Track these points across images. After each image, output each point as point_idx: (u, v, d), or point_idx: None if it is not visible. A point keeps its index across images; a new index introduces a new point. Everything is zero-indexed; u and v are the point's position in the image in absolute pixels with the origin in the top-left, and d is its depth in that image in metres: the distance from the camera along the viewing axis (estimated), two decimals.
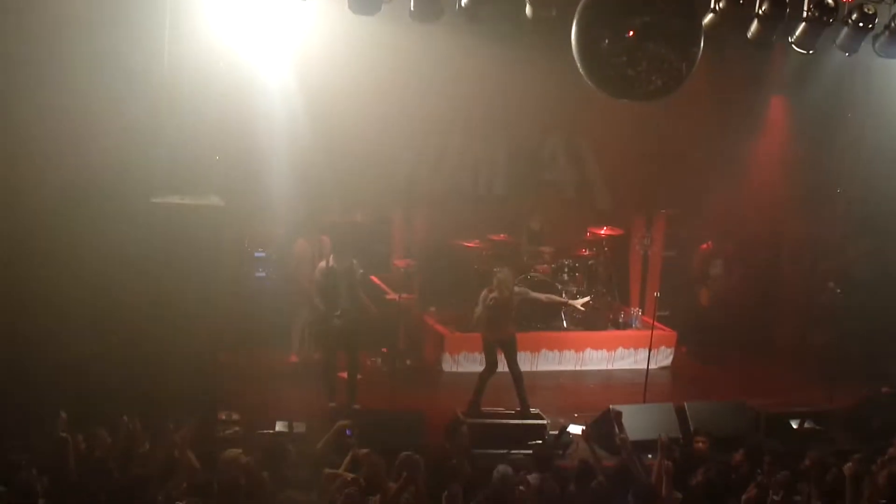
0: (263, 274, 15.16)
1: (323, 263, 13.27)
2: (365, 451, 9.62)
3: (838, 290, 16.75)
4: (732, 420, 13.24)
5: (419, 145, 16.90)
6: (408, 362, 15.16)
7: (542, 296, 14.04)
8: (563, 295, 15.58)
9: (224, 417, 12.19)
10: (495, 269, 13.47)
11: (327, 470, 9.46)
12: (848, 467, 9.85)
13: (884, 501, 9.21)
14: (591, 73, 9.30)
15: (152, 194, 11.78)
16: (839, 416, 13.81)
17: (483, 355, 13.38)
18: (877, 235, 16.63)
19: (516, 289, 13.24)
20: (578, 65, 9.31)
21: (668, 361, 16.18)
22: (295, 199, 15.35)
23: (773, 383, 15.55)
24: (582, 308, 14.61)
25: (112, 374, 11.46)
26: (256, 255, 15.28)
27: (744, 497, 8.38)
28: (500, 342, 13.09)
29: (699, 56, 9.33)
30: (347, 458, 9.63)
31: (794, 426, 13.22)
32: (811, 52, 12.96)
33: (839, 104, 16.87)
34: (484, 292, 13.05)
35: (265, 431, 11.91)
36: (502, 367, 13.15)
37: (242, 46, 12.59)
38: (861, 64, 15.49)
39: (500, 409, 13.08)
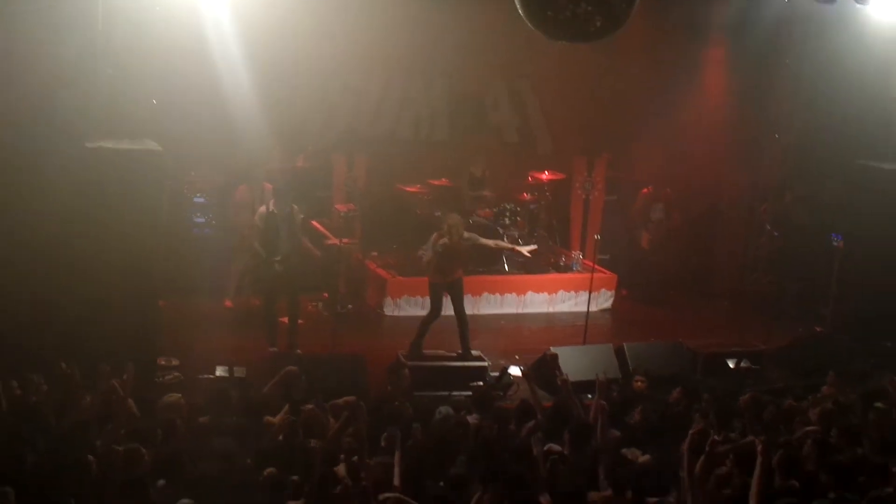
0: (203, 220, 15.06)
1: (263, 208, 13.21)
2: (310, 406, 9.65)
3: (775, 234, 16.99)
4: (670, 360, 13.39)
5: (361, 91, 16.83)
6: (349, 307, 15.16)
7: (492, 242, 14.08)
8: (506, 239, 15.65)
9: (163, 363, 12.15)
10: (447, 215, 13.47)
11: (267, 418, 9.47)
12: (788, 403, 10.05)
13: (816, 429, 9.36)
14: (531, 14, 9.25)
15: (87, 139, 11.60)
16: (774, 355, 14.02)
17: (425, 299, 13.44)
18: (813, 180, 16.82)
19: (466, 234, 13.26)
20: (518, 7, 9.26)
21: (608, 304, 16.33)
22: (235, 144, 15.28)
23: (711, 324, 15.78)
24: (528, 255, 14.66)
25: (48, 320, 11.37)
26: (196, 200, 15.17)
27: (690, 431, 8.49)
28: (448, 286, 13.14)
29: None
30: (286, 407, 9.63)
31: (731, 365, 13.40)
32: None
33: (777, 50, 16.96)
34: (434, 237, 13.06)
35: (206, 376, 11.90)
36: (443, 310, 13.21)
37: None
38: (799, 10, 15.62)
39: (442, 352, 13.15)
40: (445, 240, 12.88)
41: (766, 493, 7.99)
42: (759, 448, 8.16)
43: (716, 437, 8.59)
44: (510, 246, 14.74)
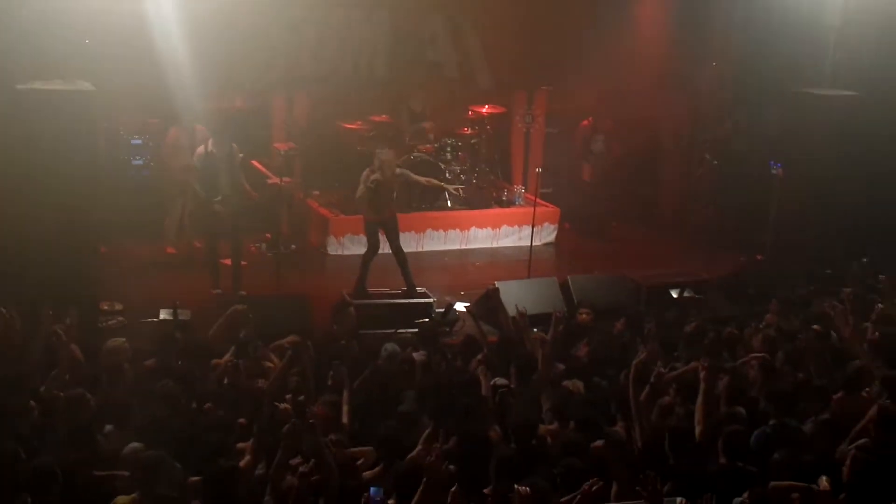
0: (140, 161, 14.86)
1: (201, 149, 13.04)
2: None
3: (714, 162, 17.10)
4: (614, 292, 13.48)
5: (298, 27, 16.58)
6: (292, 247, 15.05)
7: (423, 179, 14.02)
8: (447, 175, 15.61)
9: (106, 308, 12.04)
10: (377, 150, 13.37)
11: (215, 361, 9.42)
12: (729, 331, 10.16)
13: (761, 355, 9.48)
14: None
15: (17, 81, 11.35)
16: (717, 284, 14.16)
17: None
18: (750, 107, 16.91)
19: (397, 170, 13.18)
20: None
21: (551, 238, 16.38)
22: (171, 83, 15.00)
23: (653, 255, 15.89)
24: (455, 193, 14.60)
25: None
26: (133, 142, 14.95)
27: (634, 361, 8.56)
28: (382, 223, 13.08)
29: None
30: (233, 348, 9.58)
31: (675, 295, 13.51)
32: None
33: None
34: (365, 172, 12.98)
35: (150, 320, 11.80)
36: (385, 248, 13.17)
37: None
38: None
39: (387, 290, 13.13)
40: (377, 175, 12.79)
41: (711, 418, 8.10)
42: (703, 374, 8.26)
43: (661, 369, 8.69)
44: (439, 184, 14.64)
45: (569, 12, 17.04)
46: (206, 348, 9.70)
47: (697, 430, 7.97)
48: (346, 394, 8.48)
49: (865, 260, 13.66)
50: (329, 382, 8.90)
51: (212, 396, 8.54)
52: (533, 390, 8.93)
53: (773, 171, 15.14)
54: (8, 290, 10.88)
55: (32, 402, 7.92)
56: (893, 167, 15.15)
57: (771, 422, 8.23)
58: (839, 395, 8.86)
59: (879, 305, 11.18)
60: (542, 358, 8.89)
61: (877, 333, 10.28)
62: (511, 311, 11.32)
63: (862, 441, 7.70)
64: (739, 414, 8.28)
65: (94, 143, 11.89)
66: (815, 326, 10.30)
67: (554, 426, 8.22)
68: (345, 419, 8.22)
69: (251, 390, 8.46)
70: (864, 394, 8.90)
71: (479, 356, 9.72)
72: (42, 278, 11.13)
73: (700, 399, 8.19)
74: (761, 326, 10.93)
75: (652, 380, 8.46)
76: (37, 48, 11.54)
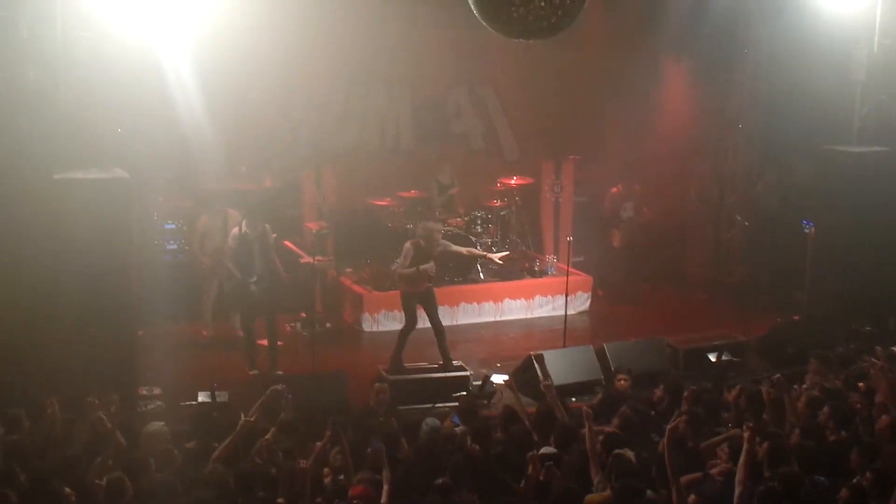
0: (175, 246, 14.97)
1: (236, 230, 13.16)
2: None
3: (746, 223, 17.07)
4: (651, 357, 13.39)
5: (323, 104, 16.79)
6: (327, 325, 15.11)
7: (464, 249, 14.02)
8: (479, 247, 15.66)
9: (145, 392, 12.08)
10: (421, 222, 13.49)
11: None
12: (765, 390, 10.07)
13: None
14: (484, 13, 9.24)
15: (54, 170, 11.52)
16: (754, 345, 14.07)
17: (402, 313, 13.38)
18: (779, 167, 16.92)
19: (442, 242, 13.23)
20: (472, 6, 9.25)
21: (585, 306, 16.32)
22: (202, 167, 15.20)
23: (688, 318, 15.79)
24: (500, 262, 14.61)
25: (28, 354, 11.27)
26: (167, 226, 15.08)
27: (668, 426, 8.52)
28: (419, 297, 13.09)
29: None
30: (274, 428, 9.56)
31: (712, 359, 13.40)
32: None
33: (735, 39, 17.09)
34: (407, 245, 13.01)
35: (188, 403, 11.82)
36: (421, 322, 13.17)
37: (137, 13, 12.33)
38: None
39: (423, 364, 13.09)
40: (432, 265, 12.85)
41: (753, 481, 8.03)
42: (747, 435, 8.22)
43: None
44: (482, 253, 14.69)
45: (592, 80, 17.22)
46: (248, 430, 9.66)
47: (737, 491, 7.91)
48: (385, 471, 8.44)
49: None
50: (367, 459, 8.85)
51: (247, 476, 8.50)
52: (579, 460, 8.83)
53: (806, 230, 15.09)
54: (49, 377, 10.99)
55: (68, 490, 7.90)
56: None
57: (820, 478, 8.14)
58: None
59: None
60: (587, 428, 8.79)
61: None
62: (552, 381, 11.26)
63: None
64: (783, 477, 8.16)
65: (129, 229, 12.02)
66: (860, 384, 10.17)
67: (606, 494, 8.12)
68: (384, 499, 8.16)
69: (292, 470, 8.40)
70: None
71: (517, 426, 9.63)
72: (82, 365, 11.19)
73: (742, 460, 8.15)
74: (804, 387, 10.81)
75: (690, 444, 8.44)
76: (71, 136, 11.71)
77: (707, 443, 9.17)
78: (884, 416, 9.19)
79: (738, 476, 8.12)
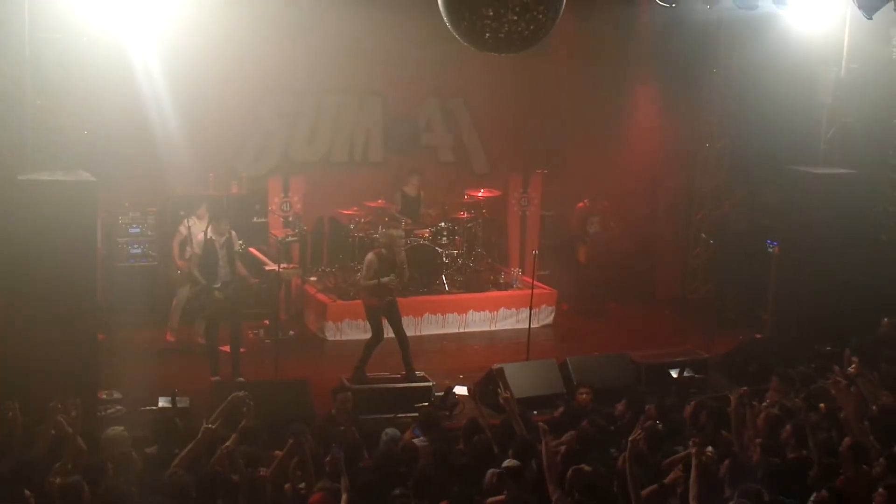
0: (139, 250, 14.88)
1: (201, 236, 13.13)
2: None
3: (712, 242, 17.18)
4: (614, 372, 13.44)
5: (294, 114, 16.77)
6: (291, 333, 15.09)
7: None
8: (444, 258, 15.73)
9: (105, 396, 11.99)
10: (384, 230, 13.51)
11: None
12: (732, 400, 10.12)
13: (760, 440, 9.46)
14: (457, 26, 9.26)
15: (19, 172, 11.43)
16: (716, 362, 14.15)
17: (366, 322, 13.37)
18: (746, 187, 17.04)
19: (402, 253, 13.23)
20: (445, 19, 9.26)
21: (550, 319, 16.36)
22: (170, 172, 15.13)
23: (652, 334, 15.87)
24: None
25: None
26: (132, 230, 14.99)
27: (630, 438, 8.56)
28: (383, 309, 13.07)
29: (563, 5, 9.32)
30: (235, 435, 9.51)
31: (674, 375, 13.46)
32: (674, 5, 13.25)
33: (705, 59, 17.22)
34: (369, 256, 13.01)
35: (149, 408, 11.74)
36: (386, 333, 13.14)
37: (107, 18, 12.27)
38: (723, 17, 15.88)
39: (386, 374, 13.08)
40: (395, 278, 12.85)
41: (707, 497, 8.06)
42: (693, 451, 8.26)
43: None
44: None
45: (563, 95, 17.28)
46: (210, 437, 9.60)
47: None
48: (344, 480, 8.41)
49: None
50: (326, 468, 8.83)
51: (208, 484, 8.45)
52: (538, 475, 8.83)
53: (770, 250, 15.20)
54: (7, 379, 10.89)
55: (27, 492, 7.84)
56: (889, 243, 15.26)
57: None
58: (847, 472, 8.83)
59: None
60: (544, 445, 8.79)
61: (874, 408, 10.29)
62: (515, 393, 11.28)
63: None
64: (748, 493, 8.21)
65: (94, 232, 11.93)
66: (821, 405, 10.24)
67: None
68: None
69: (253, 478, 8.36)
70: (867, 468, 8.86)
71: (477, 438, 9.62)
72: (42, 367, 11.08)
73: (693, 476, 8.19)
74: (763, 405, 10.87)
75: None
76: (38, 139, 11.63)
77: (668, 460, 9.20)
78: (846, 438, 9.25)
79: (692, 492, 8.15)
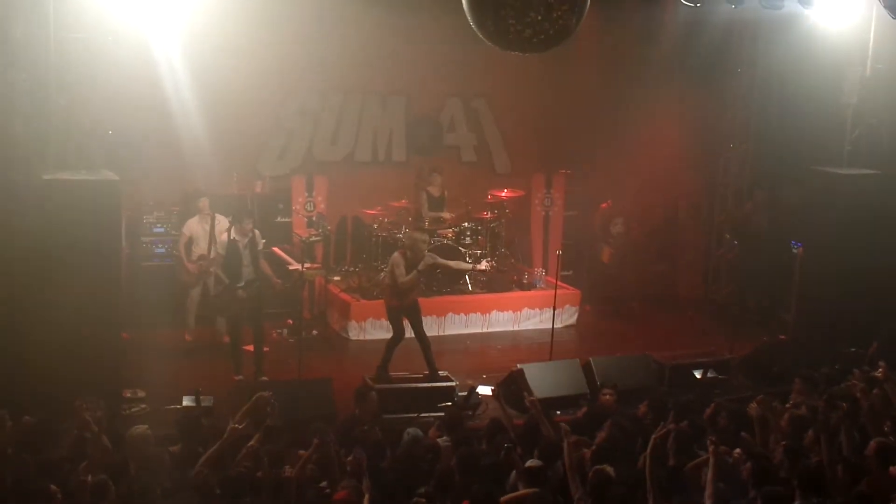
0: (163, 249, 14.93)
1: (224, 236, 13.18)
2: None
3: (735, 242, 17.12)
4: (637, 373, 13.41)
5: (317, 114, 16.81)
6: (314, 332, 15.11)
7: (451, 262, 14.00)
8: (468, 258, 15.68)
9: (129, 395, 12.05)
10: (407, 232, 13.52)
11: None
12: (752, 408, 10.09)
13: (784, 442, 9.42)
14: (481, 26, 9.26)
15: (44, 171, 11.51)
16: (739, 364, 14.09)
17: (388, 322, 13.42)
18: (770, 187, 16.97)
19: (427, 254, 13.21)
20: (469, 18, 9.26)
21: (573, 320, 16.35)
22: (194, 172, 15.19)
23: (675, 335, 15.83)
24: (485, 268, 14.57)
25: (12, 355, 11.25)
26: (156, 230, 15.05)
27: (654, 435, 8.58)
28: (405, 310, 13.07)
29: (587, 5, 9.30)
30: (259, 433, 9.54)
31: (698, 376, 13.43)
32: (698, 4, 13.20)
33: (729, 59, 17.15)
34: (395, 255, 13.01)
35: (172, 407, 11.79)
36: (408, 332, 13.16)
37: (130, 17, 12.34)
38: (748, 17, 15.80)
39: (408, 374, 13.08)
40: (430, 259, 12.85)
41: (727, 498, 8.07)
42: (711, 449, 8.24)
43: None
44: (468, 265, 14.65)
45: (586, 95, 17.27)
46: (236, 436, 9.63)
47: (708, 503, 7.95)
48: (365, 480, 8.43)
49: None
50: (348, 468, 8.84)
51: (234, 483, 8.48)
52: (563, 475, 8.82)
53: (794, 251, 15.14)
54: (33, 378, 10.97)
55: (54, 487, 7.89)
56: None
57: (797, 502, 8.15)
58: (872, 473, 8.80)
59: None
60: (566, 445, 8.79)
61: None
62: (538, 394, 11.30)
63: None
64: (769, 495, 8.17)
65: (118, 232, 11.99)
66: (843, 404, 10.19)
67: None
68: None
69: (278, 478, 8.39)
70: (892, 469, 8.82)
71: (503, 439, 9.61)
72: (67, 366, 11.15)
73: (710, 475, 8.17)
74: (788, 406, 10.83)
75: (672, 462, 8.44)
76: (62, 139, 11.70)
77: (692, 464, 9.16)
78: (872, 442, 9.21)
79: (707, 491, 8.14)
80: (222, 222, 13.94)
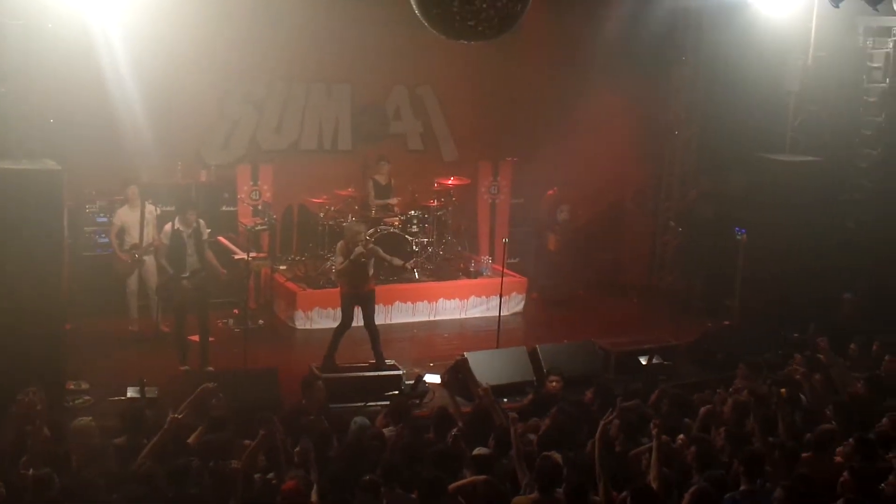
0: (106, 239, 14.76)
1: (168, 226, 13.06)
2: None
3: (680, 230, 17.24)
4: (583, 359, 13.51)
5: (262, 102, 16.70)
6: (260, 322, 15.03)
7: (387, 257, 13.87)
8: (414, 247, 15.70)
9: (72, 387, 11.92)
10: (347, 224, 13.44)
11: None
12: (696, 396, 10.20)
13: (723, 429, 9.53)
14: (426, 13, 9.23)
15: None
16: (685, 350, 14.22)
17: (336, 311, 13.40)
18: (713, 175, 17.11)
19: (370, 246, 13.19)
20: (414, 6, 9.24)
21: (520, 307, 16.40)
22: (137, 161, 15.05)
23: (621, 322, 15.94)
24: (407, 267, 14.92)
25: None
26: (98, 220, 14.89)
27: (602, 420, 8.64)
28: (359, 298, 13.05)
29: None
30: (200, 428, 9.49)
31: (643, 362, 13.52)
32: None
33: (673, 47, 17.26)
34: (340, 244, 12.99)
35: (117, 398, 11.68)
36: (356, 321, 13.13)
37: (71, 3, 12.19)
38: (692, 5, 15.95)
39: (355, 363, 13.06)
40: (361, 248, 12.80)
41: (675, 482, 8.17)
42: (654, 431, 8.31)
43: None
44: (400, 263, 14.55)
45: (532, 83, 17.32)
46: (177, 427, 9.56)
47: (654, 486, 8.03)
48: (313, 471, 8.41)
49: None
50: (295, 458, 8.82)
51: (180, 475, 8.42)
52: (509, 463, 8.87)
53: (738, 237, 15.28)
54: None
55: None
56: (855, 230, 15.37)
57: (742, 487, 8.24)
58: (808, 454, 8.92)
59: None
60: (513, 432, 8.83)
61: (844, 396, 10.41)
62: (482, 381, 11.32)
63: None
64: (712, 478, 8.26)
65: (60, 221, 11.82)
66: (782, 390, 10.31)
67: (534, 496, 8.15)
68: (314, 497, 8.12)
69: (225, 470, 8.33)
70: (836, 457, 8.94)
71: (455, 429, 9.62)
72: (6, 357, 11.00)
73: (654, 457, 8.24)
74: (731, 391, 10.94)
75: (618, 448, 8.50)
76: (2, 127, 11.52)
77: (636, 450, 9.23)
78: (822, 427, 9.35)
79: (653, 473, 8.21)
80: (151, 211, 13.87)
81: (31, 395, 9.27)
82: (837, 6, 13.72)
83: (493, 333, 14.10)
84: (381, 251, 13.45)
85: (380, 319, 13.76)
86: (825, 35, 15.31)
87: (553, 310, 16.69)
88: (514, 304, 16.29)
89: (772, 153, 15.45)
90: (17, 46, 11.53)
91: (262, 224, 15.43)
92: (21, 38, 11.52)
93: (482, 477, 8.41)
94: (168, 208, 14.43)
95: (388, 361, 13.04)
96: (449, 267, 16.47)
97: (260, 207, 15.88)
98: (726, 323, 15.48)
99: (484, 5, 8.80)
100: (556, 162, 17.19)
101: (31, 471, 7.89)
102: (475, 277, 16.45)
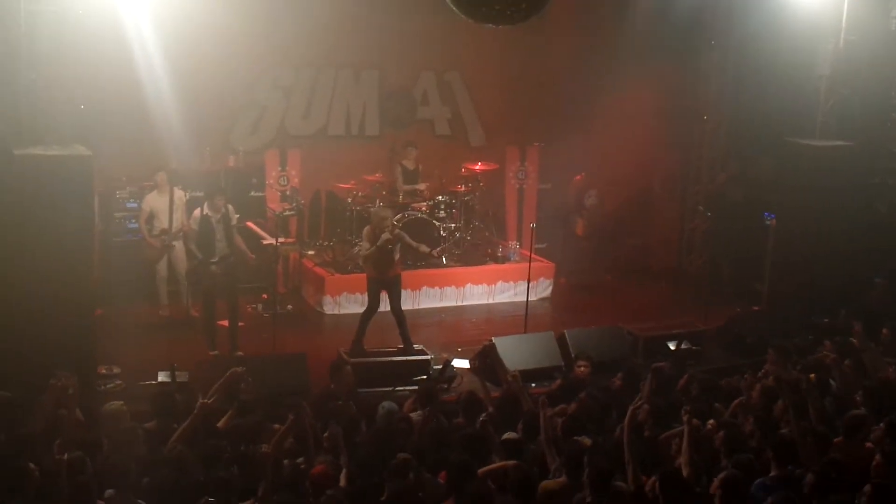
0: (136, 225, 14.80)
1: (198, 211, 13.11)
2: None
3: (708, 214, 17.18)
4: (611, 345, 13.48)
5: (290, 88, 16.72)
6: (289, 307, 15.09)
7: (413, 243, 13.87)
8: (442, 232, 15.70)
9: (104, 371, 12.02)
10: (374, 210, 13.47)
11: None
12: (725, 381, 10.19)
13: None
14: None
15: (15, 146, 11.39)
16: (713, 335, 14.18)
17: (364, 296, 13.44)
18: (743, 159, 17.03)
19: (396, 231, 13.20)
20: None
21: (547, 293, 16.38)
22: (166, 147, 15.10)
23: (649, 307, 15.88)
24: (434, 254, 14.86)
25: None
26: (129, 205, 14.95)
27: (631, 406, 8.64)
28: (385, 283, 13.09)
29: None
30: (230, 411, 9.55)
31: (672, 347, 13.49)
32: None
33: (703, 31, 17.16)
34: (366, 230, 13.03)
35: (148, 383, 11.76)
36: (384, 306, 13.17)
37: None
38: None
39: (383, 348, 13.10)
40: (387, 234, 12.82)
41: (704, 467, 8.15)
42: (685, 418, 8.30)
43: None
44: (426, 250, 14.50)
45: (560, 68, 17.25)
46: (206, 411, 9.62)
47: (685, 472, 8.02)
48: (342, 456, 8.45)
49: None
50: (324, 444, 8.86)
51: (212, 459, 8.48)
52: (537, 448, 8.88)
53: (767, 222, 15.21)
54: (4, 355, 10.90)
55: (32, 465, 7.87)
56: (886, 214, 15.26)
57: (772, 472, 8.22)
58: (839, 439, 8.88)
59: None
60: (542, 417, 8.85)
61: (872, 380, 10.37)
62: (510, 367, 11.33)
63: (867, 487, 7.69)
64: (741, 463, 8.24)
65: (91, 207, 11.90)
66: (811, 375, 10.28)
67: (562, 479, 8.16)
68: (342, 481, 8.16)
69: (255, 454, 8.39)
70: (867, 444, 8.91)
71: (484, 414, 9.63)
72: (40, 343, 11.08)
73: (685, 443, 8.23)
74: (759, 376, 10.91)
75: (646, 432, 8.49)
76: (34, 113, 11.58)
77: (665, 434, 9.22)
78: (853, 412, 9.31)
79: (683, 458, 8.21)
80: (180, 197, 13.93)
81: (63, 379, 9.32)
82: None
83: (521, 319, 14.10)
84: (407, 237, 13.44)
85: (407, 304, 13.79)
86: (857, 18, 15.18)
87: (581, 295, 16.67)
88: (542, 289, 16.27)
89: (802, 138, 15.34)
90: (48, 33, 11.55)
91: (290, 209, 15.49)
92: (52, 25, 11.55)
93: (512, 462, 8.43)
94: (197, 194, 14.50)
95: (416, 346, 13.07)
96: (476, 252, 16.47)
97: (288, 193, 15.93)
98: (755, 308, 15.41)
99: None
100: (584, 147, 17.16)
101: (65, 455, 7.95)
102: (503, 262, 16.43)
